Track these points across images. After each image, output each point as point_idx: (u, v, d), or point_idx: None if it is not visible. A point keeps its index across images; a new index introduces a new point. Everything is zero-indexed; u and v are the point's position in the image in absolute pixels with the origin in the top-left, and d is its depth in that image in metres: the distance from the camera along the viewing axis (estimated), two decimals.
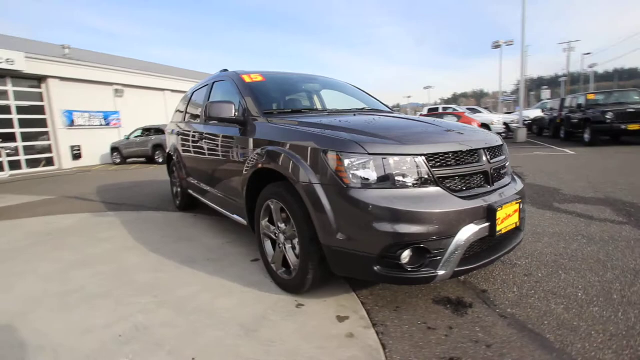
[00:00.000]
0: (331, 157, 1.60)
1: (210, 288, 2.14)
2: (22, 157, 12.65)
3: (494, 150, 1.89)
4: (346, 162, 1.56)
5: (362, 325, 1.65)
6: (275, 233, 2.06)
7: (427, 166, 1.58)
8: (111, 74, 15.30)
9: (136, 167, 12.14)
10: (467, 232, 1.55)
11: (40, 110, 13.20)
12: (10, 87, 12.30)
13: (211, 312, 1.85)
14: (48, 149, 13.60)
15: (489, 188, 1.75)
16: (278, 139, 1.95)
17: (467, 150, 1.72)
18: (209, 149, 2.94)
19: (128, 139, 14.38)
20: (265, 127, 2.17)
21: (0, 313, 1.94)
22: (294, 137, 1.86)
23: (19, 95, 12.58)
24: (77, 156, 14.29)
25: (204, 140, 3.04)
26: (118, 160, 14.60)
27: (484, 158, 1.78)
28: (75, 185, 7.79)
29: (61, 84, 13.45)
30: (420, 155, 1.58)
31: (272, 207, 2.02)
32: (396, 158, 1.56)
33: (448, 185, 1.62)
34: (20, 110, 12.60)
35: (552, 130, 13.01)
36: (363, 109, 2.78)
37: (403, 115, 2.54)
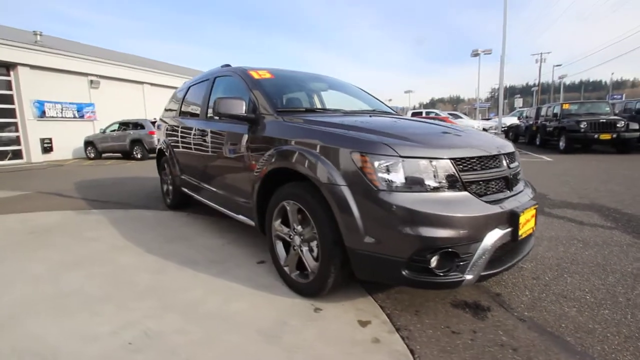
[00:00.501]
0: (360, 158, 1.57)
1: (218, 291, 2.05)
2: None
3: (511, 156, 1.92)
4: (376, 164, 1.53)
5: (386, 330, 1.63)
6: (290, 235, 2.00)
7: (456, 170, 1.58)
8: (86, 63, 14.56)
9: (112, 163, 11.61)
10: (493, 237, 1.56)
11: (8, 99, 12.36)
12: None
13: (224, 317, 1.77)
14: (16, 141, 12.77)
15: (509, 193, 1.78)
16: (298, 138, 1.89)
17: (490, 155, 1.73)
18: (212, 146, 2.83)
19: (104, 132, 13.76)
20: (281, 125, 2.11)
21: None
22: (316, 137, 1.81)
23: None
24: (47, 149, 13.49)
25: (206, 137, 2.92)
26: (92, 155, 13.94)
27: (504, 163, 1.80)
28: (49, 180, 7.34)
29: (32, 73, 12.66)
30: (449, 159, 1.58)
31: (287, 208, 1.96)
32: (426, 161, 1.55)
33: (474, 189, 1.62)
34: None
35: (528, 138, 13.57)
36: (373, 110, 2.76)
37: (416, 118, 2.55)
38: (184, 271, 2.34)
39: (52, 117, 13.59)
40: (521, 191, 1.91)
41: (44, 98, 13.18)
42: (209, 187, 3.00)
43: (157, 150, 4.35)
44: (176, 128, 3.69)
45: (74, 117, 14.50)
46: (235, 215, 2.61)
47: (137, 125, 13.11)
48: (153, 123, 12.87)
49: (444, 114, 15.89)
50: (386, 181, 1.52)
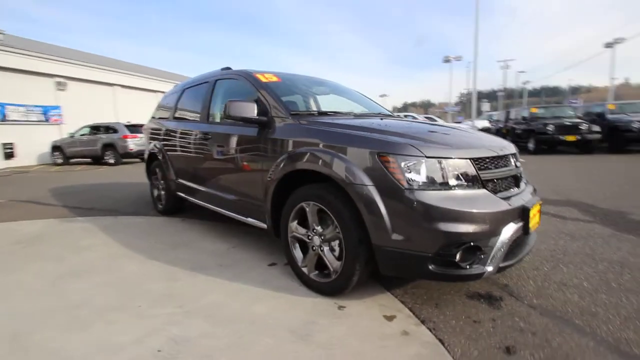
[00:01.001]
0: (387, 159, 1.64)
1: (237, 295, 2.04)
2: None
3: (516, 156, 2.07)
4: (403, 164, 1.61)
5: (412, 323, 1.70)
6: (309, 236, 2.03)
7: (475, 169, 1.69)
8: (52, 64, 13.81)
9: (83, 169, 11.08)
10: (509, 231, 1.68)
11: None
12: None
13: (250, 320, 1.77)
14: None
15: (518, 190, 1.91)
16: (319, 141, 1.93)
17: (501, 155, 1.86)
18: (216, 150, 2.80)
19: (73, 137, 13.06)
20: (299, 128, 2.14)
21: None
22: (339, 139, 1.86)
23: None
24: (9, 155, 12.64)
25: (209, 141, 2.89)
26: (60, 161, 13.21)
27: (512, 162, 1.94)
28: (20, 187, 6.88)
29: None
30: (469, 158, 1.69)
31: (307, 209, 1.99)
32: (450, 161, 1.64)
33: (490, 187, 1.74)
34: None
35: None
36: (379, 113, 2.85)
37: (427, 121, 2.66)
38: (196, 277, 2.31)
39: (15, 120, 12.76)
40: (525, 188, 2.05)
41: (6, 100, 12.36)
42: (212, 190, 2.96)
43: (147, 155, 4.21)
44: (171, 132, 3.61)
45: (39, 120, 13.68)
46: (243, 218, 2.60)
47: (109, 129, 12.57)
48: (128, 126, 12.40)
49: (420, 118, 16.41)
50: (413, 180, 1.60)
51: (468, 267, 1.60)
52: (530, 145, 10.60)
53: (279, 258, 2.59)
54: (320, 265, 2.04)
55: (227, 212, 2.81)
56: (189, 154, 3.26)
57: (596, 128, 9.70)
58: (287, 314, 1.82)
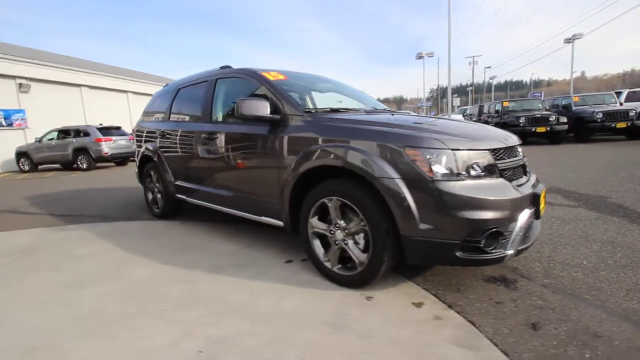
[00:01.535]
0: (413, 152, 1.71)
1: (263, 292, 2.05)
2: None
3: (520, 147, 2.20)
4: (429, 156, 1.68)
5: (441, 308, 1.79)
6: (331, 231, 2.07)
7: (494, 159, 1.79)
8: (13, 65, 12.95)
9: (55, 175, 10.50)
10: (525, 216, 1.80)
11: None
12: None
13: (283, 315, 1.79)
14: None
15: (526, 178, 2.04)
16: (340, 137, 1.97)
17: (511, 146, 1.98)
18: (223, 149, 2.77)
19: (40, 142, 12.33)
20: (315, 125, 2.16)
21: (5, 352, 1.59)
22: (362, 135, 1.90)
23: None
24: None
25: (214, 140, 2.85)
26: (27, 167, 12.45)
27: (520, 153, 2.07)
28: None
29: None
30: (488, 149, 1.79)
31: (329, 204, 2.03)
32: (472, 152, 1.74)
33: (505, 176, 1.85)
34: None
35: None
36: (385, 109, 2.93)
37: (434, 116, 2.76)
38: (215, 278, 2.29)
39: None
40: (530, 177, 2.19)
41: None
42: (219, 191, 2.92)
43: (139, 158, 4.08)
44: (168, 133, 3.52)
45: (1, 125, 12.77)
46: (257, 217, 2.59)
47: (80, 132, 11.96)
48: (100, 129, 11.86)
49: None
50: (439, 172, 1.68)
51: (492, 251, 1.70)
52: None
53: (294, 255, 2.61)
54: (343, 258, 2.08)
55: (236, 212, 2.79)
56: (190, 155, 3.19)
57: (563, 119, 10.33)
58: (318, 307, 1.86)
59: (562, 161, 6.92)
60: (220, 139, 2.81)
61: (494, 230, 1.68)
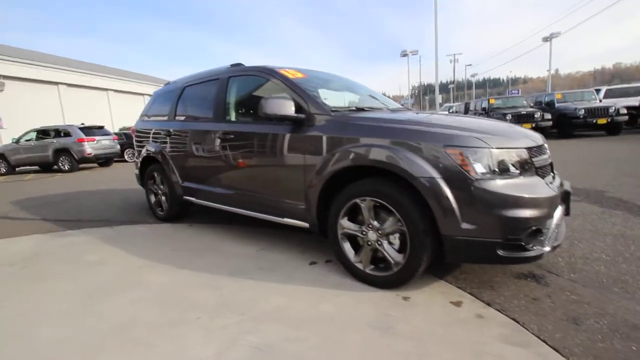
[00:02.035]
0: (455, 151, 1.71)
1: (296, 296, 2.02)
2: None
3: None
4: (470, 155, 1.69)
5: (480, 306, 1.80)
6: (363, 231, 2.06)
7: (530, 157, 1.81)
8: None
9: (35, 178, 10.02)
10: (558, 213, 1.83)
11: None
12: None
13: (325, 319, 1.76)
14: None
15: (553, 176, 2.09)
16: (375, 136, 1.95)
17: (541, 145, 2.02)
18: (242, 149, 2.70)
19: (17, 143, 11.75)
20: (344, 124, 2.14)
21: None
22: (398, 134, 1.89)
23: None
24: None
25: (230, 140, 2.77)
26: (4, 170, 11.87)
27: (547, 151, 2.11)
28: None
29: None
30: (525, 147, 1.81)
31: (362, 205, 2.01)
32: (511, 151, 1.75)
33: (540, 174, 1.88)
34: None
35: None
36: (400, 107, 2.92)
37: (463, 115, 2.78)
38: (241, 282, 2.23)
39: None
40: (556, 175, 2.24)
41: None
42: (235, 192, 2.85)
43: (140, 160, 3.93)
44: (175, 133, 3.40)
45: None
46: (278, 218, 2.54)
47: (61, 132, 11.48)
48: (82, 129, 11.41)
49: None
50: (481, 171, 1.69)
51: (532, 248, 1.72)
52: None
53: (317, 256, 2.58)
54: (375, 259, 2.07)
55: (255, 213, 2.72)
56: (201, 155, 3.10)
57: (548, 116, 10.69)
58: (357, 309, 1.84)
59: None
60: (237, 139, 2.74)
61: (535, 227, 1.70)
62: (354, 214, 2.12)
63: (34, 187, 7.71)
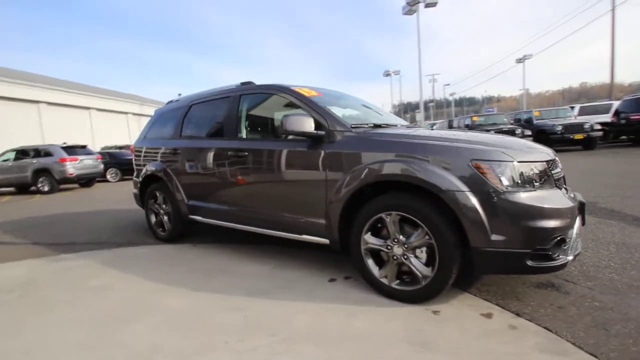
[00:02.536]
0: (481, 165, 1.77)
1: (324, 314, 1.98)
2: None
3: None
4: (497, 169, 1.75)
5: (511, 317, 1.82)
6: (388, 246, 2.06)
7: (550, 170, 1.90)
8: None
9: (11, 199, 9.58)
10: (578, 223, 1.91)
11: None
12: None
13: (358, 337, 1.74)
14: None
15: (568, 188, 2.18)
16: (401, 152, 1.99)
17: (554, 158, 2.12)
18: (258, 166, 2.69)
19: None
20: (366, 140, 2.18)
21: None
22: (425, 149, 1.94)
23: None
24: None
25: (244, 158, 2.76)
26: None
27: (560, 165, 2.21)
28: None
29: None
30: (544, 161, 1.90)
31: (387, 219, 2.03)
32: (533, 164, 1.83)
33: (558, 186, 1.97)
34: None
35: None
36: (410, 124, 3.01)
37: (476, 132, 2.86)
38: (263, 302, 2.17)
39: None
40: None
41: None
42: (248, 210, 2.81)
43: (140, 179, 3.83)
44: (181, 150, 3.35)
45: None
46: (297, 236, 2.51)
47: (41, 152, 11.06)
48: (64, 148, 11.05)
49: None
50: (508, 184, 1.75)
51: (558, 257, 1.78)
52: None
53: (334, 273, 2.56)
54: (402, 274, 2.08)
55: (270, 231, 2.69)
56: (212, 174, 3.05)
57: (528, 132, 11.21)
58: (389, 325, 1.82)
59: None
60: (251, 156, 2.73)
61: (560, 237, 1.76)
62: (377, 229, 2.13)
63: (14, 209, 7.33)
